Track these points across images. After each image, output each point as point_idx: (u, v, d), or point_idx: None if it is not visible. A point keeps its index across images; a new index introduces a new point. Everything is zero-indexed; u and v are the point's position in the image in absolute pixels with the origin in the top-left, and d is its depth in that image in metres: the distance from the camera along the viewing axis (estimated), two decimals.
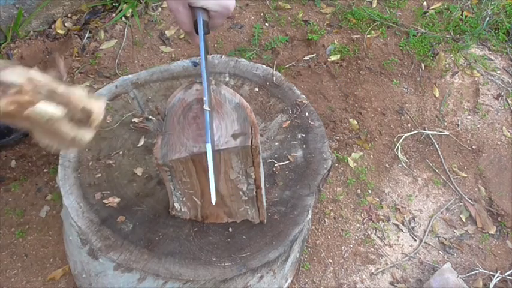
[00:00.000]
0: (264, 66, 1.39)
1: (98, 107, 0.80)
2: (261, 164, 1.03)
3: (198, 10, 0.90)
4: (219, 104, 0.98)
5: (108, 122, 1.25)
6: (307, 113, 1.31)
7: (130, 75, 1.35)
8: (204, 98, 0.91)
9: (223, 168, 0.96)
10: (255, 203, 1.05)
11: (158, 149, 0.94)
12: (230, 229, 1.09)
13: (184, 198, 1.04)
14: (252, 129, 0.94)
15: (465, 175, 1.83)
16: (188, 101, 0.99)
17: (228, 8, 0.91)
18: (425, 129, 1.90)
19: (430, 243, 1.67)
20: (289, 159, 1.22)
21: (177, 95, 1.01)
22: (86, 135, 0.80)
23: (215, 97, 0.99)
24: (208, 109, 0.91)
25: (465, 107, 1.99)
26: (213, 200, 0.87)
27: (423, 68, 2.05)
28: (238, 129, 0.94)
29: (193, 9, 0.90)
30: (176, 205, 1.07)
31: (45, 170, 1.66)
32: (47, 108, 0.74)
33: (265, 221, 1.10)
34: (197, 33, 0.92)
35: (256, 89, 1.34)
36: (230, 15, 0.97)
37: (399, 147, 1.85)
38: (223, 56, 1.40)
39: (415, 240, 1.67)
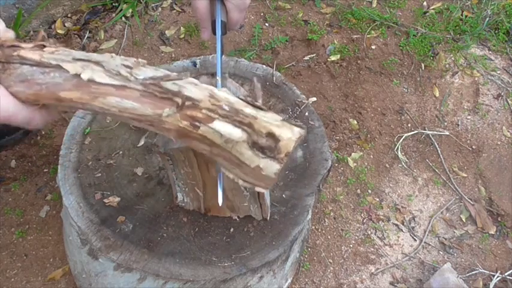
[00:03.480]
0: (264, 66, 1.39)
1: (288, 135, 0.66)
2: None
3: (217, 8, 0.94)
4: None
5: (108, 122, 1.25)
6: (307, 113, 1.31)
7: None
8: (217, 77, 0.93)
9: None
10: (257, 199, 1.05)
11: (161, 137, 0.94)
12: (231, 229, 1.10)
13: (186, 189, 1.05)
14: None
15: (465, 175, 1.83)
16: None
17: (244, 0, 0.95)
18: (425, 129, 1.90)
19: (430, 243, 1.67)
20: (289, 159, 1.22)
21: None
22: (271, 167, 0.66)
23: None
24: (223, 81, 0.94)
25: (465, 107, 1.99)
26: (220, 201, 0.87)
27: (423, 68, 2.05)
28: None
29: (213, 4, 0.94)
30: (179, 195, 1.07)
31: (45, 170, 1.66)
32: (223, 128, 0.65)
33: (268, 218, 1.10)
34: (213, 32, 0.97)
35: None
36: (246, 10, 1.02)
37: (399, 147, 1.85)
38: (223, 56, 1.40)
39: (415, 240, 1.67)
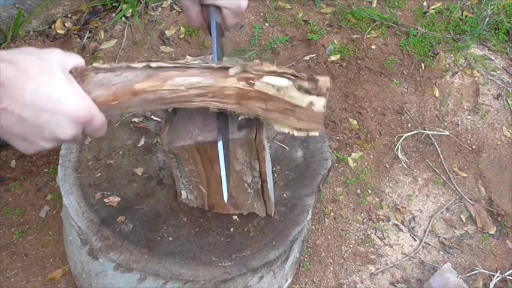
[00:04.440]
0: None
1: (324, 76, 0.81)
2: (268, 159, 1.03)
3: (211, 10, 0.92)
4: None
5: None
6: None
7: None
8: None
9: None
10: (261, 196, 1.05)
11: (165, 135, 0.94)
12: (231, 229, 1.10)
13: (190, 186, 1.05)
14: (257, 123, 0.94)
15: (465, 175, 1.83)
16: None
17: (239, 5, 0.93)
18: (425, 129, 1.90)
19: (430, 243, 1.67)
20: (289, 159, 1.22)
21: None
22: (320, 101, 0.82)
23: None
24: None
25: (465, 107, 1.99)
26: (225, 197, 0.87)
27: (423, 68, 2.05)
28: (244, 121, 0.94)
29: (206, 8, 0.92)
30: (183, 192, 1.07)
31: (45, 170, 1.66)
32: (273, 80, 0.79)
33: (273, 214, 1.10)
34: (210, 34, 0.94)
35: None
36: (242, 14, 1.02)
37: (399, 147, 1.85)
38: (224, 56, 1.40)
39: (415, 240, 1.67)
